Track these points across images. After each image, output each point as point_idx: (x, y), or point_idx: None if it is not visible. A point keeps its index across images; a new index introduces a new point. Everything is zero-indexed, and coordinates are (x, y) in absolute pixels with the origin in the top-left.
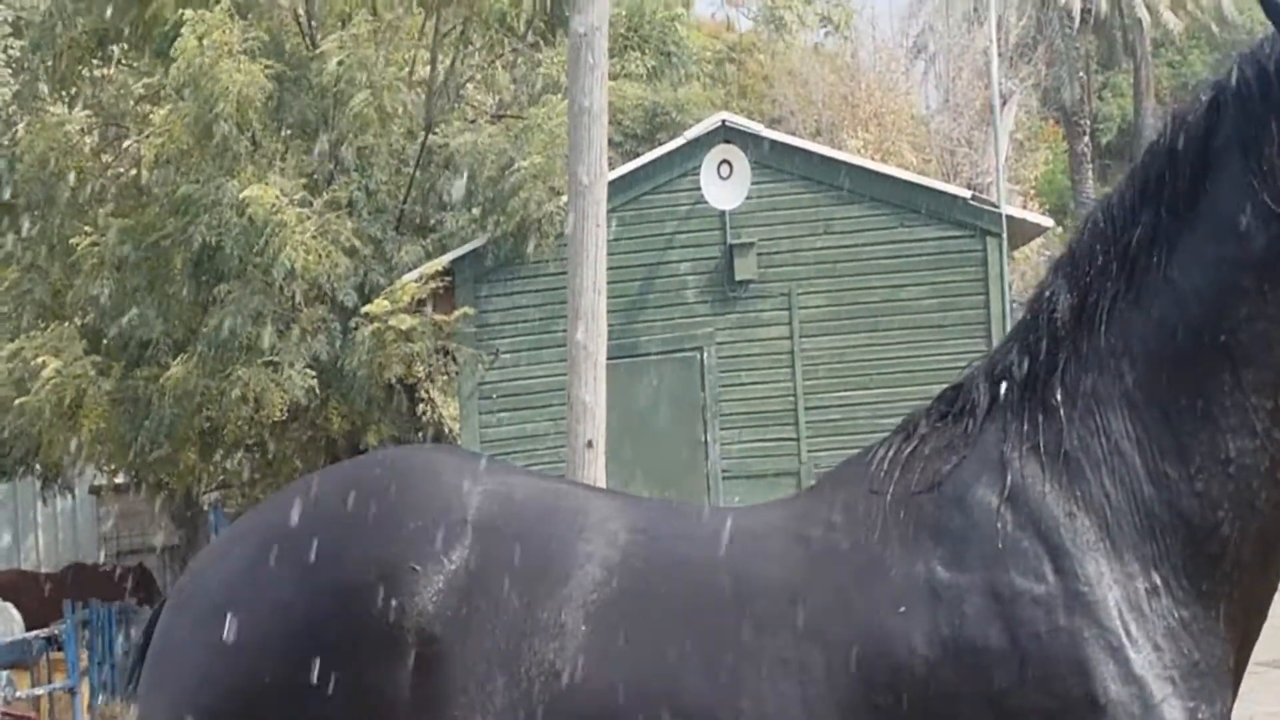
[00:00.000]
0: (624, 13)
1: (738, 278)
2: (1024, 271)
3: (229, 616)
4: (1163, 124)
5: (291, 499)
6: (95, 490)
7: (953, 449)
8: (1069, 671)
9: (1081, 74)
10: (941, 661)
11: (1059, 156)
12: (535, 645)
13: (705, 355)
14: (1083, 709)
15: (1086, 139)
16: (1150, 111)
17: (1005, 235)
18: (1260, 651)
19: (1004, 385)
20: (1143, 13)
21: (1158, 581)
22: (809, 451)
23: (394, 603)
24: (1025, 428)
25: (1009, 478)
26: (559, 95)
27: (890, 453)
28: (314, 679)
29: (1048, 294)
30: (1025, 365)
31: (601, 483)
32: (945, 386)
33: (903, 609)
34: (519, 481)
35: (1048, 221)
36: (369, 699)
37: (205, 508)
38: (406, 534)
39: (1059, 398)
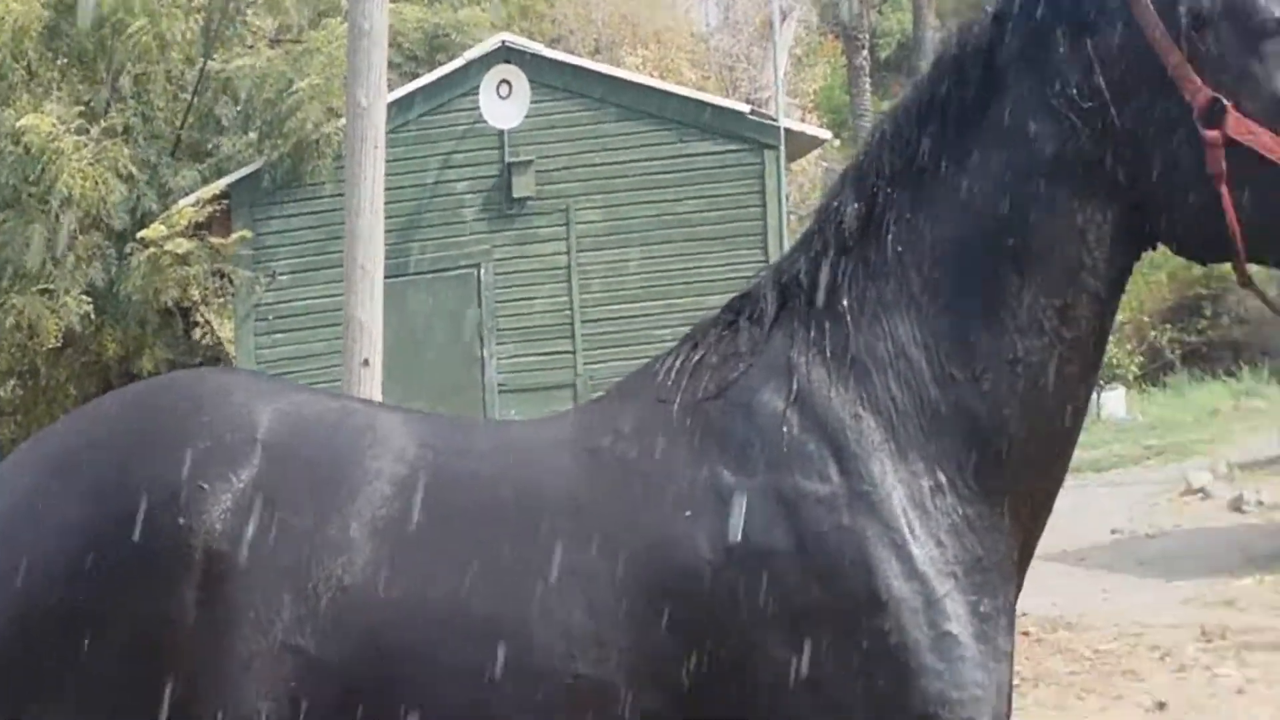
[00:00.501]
0: None
1: (515, 195)
2: (802, 184)
3: (10, 543)
4: (949, 37)
5: (75, 424)
6: None
7: (740, 356)
8: (853, 570)
9: None
10: (727, 565)
11: (837, 71)
12: (323, 561)
13: (482, 272)
14: (867, 606)
15: (865, 54)
16: (929, 25)
17: (783, 148)
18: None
19: (791, 293)
20: None
21: (942, 480)
22: (585, 364)
23: (181, 522)
24: (812, 334)
25: (795, 382)
26: (338, 18)
27: (678, 362)
28: (98, 604)
29: (835, 203)
30: (812, 273)
31: (378, 400)
32: (733, 295)
33: (688, 514)
34: (308, 400)
35: (825, 134)
36: (154, 623)
37: None
38: (194, 454)
39: (845, 304)
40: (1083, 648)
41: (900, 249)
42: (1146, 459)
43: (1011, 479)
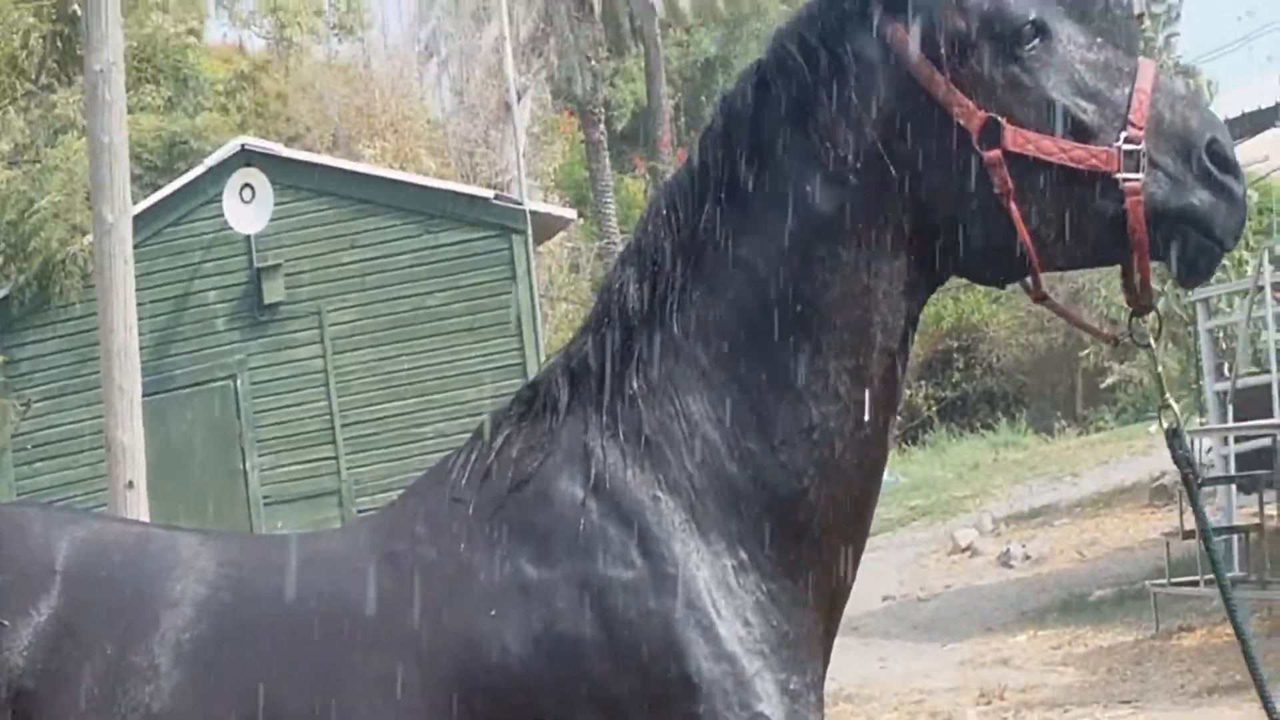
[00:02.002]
0: (136, 44)
1: (266, 301)
2: (549, 265)
3: None
4: (715, 108)
5: None
6: None
7: (535, 447)
8: (663, 654)
9: (592, 63)
10: (536, 658)
11: (576, 147)
12: (129, 689)
13: (238, 382)
14: (679, 690)
15: (601, 127)
16: (663, 93)
17: (530, 232)
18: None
19: (581, 378)
20: None
21: (744, 557)
22: (348, 469)
23: None
24: (605, 418)
25: (592, 468)
26: (75, 134)
27: (472, 457)
28: None
29: (617, 285)
30: (600, 357)
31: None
32: (522, 385)
33: (493, 612)
34: (107, 527)
35: (570, 214)
36: None
37: None
38: None
39: (636, 386)
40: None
41: (687, 326)
42: (913, 520)
43: (813, 550)
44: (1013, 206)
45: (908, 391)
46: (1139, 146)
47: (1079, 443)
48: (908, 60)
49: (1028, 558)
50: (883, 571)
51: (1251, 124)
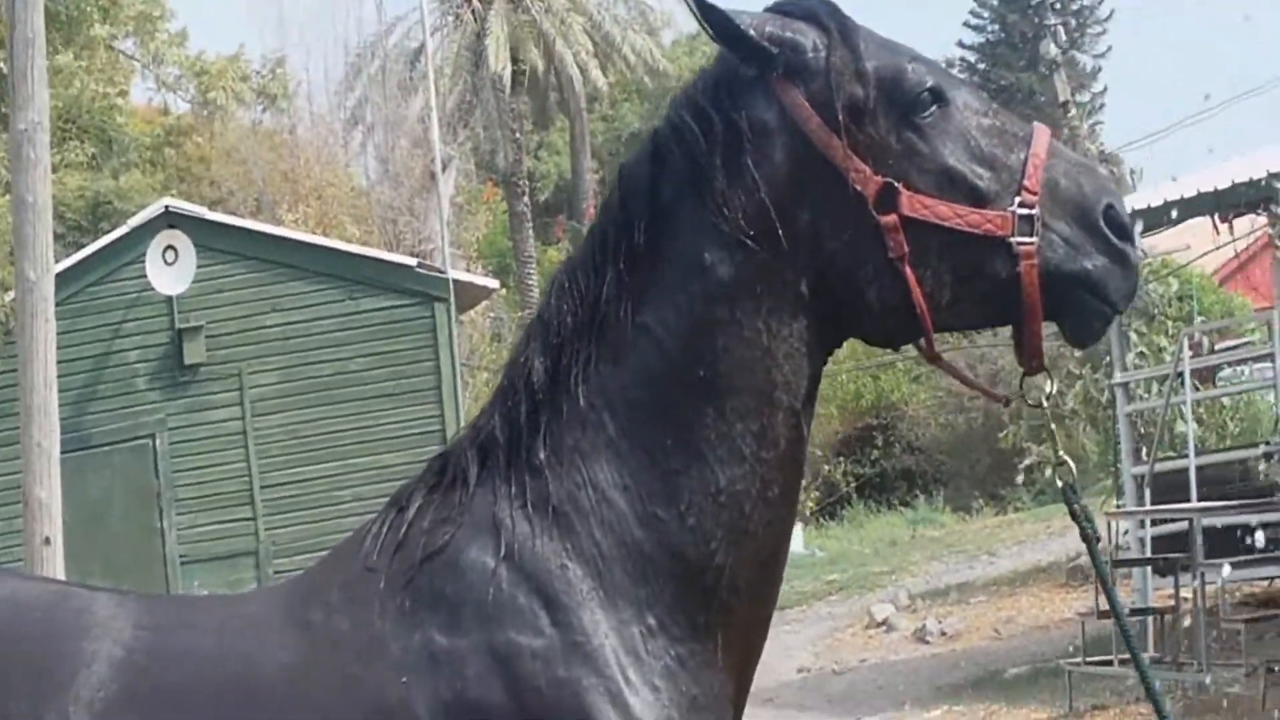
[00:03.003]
0: (61, 104)
1: (187, 361)
2: (471, 334)
3: None
4: (614, 179)
5: None
6: None
7: (446, 519)
8: None
9: (517, 135)
10: None
11: (499, 218)
12: None
13: (157, 441)
14: None
15: (525, 199)
16: (587, 167)
17: (453, 300)
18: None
19: (489, 450)
20: (573, 70)
21: (652, 623)
22: (266, 530)
23: None
24: (513, 489)
25: (502, 538)
26: None
27: (384, 528)
28: None
29: (523, 359)
30: (507, 429)
31: (61, 578)
32: (432, 456)
33: (404, 680)
34: (23, 585)
35: (493, 283)
36: None
37: None
38: None
39: (543, 456)
40: None
41: (592, 395)
42: (829, 594)
43: (723, 612)
44: (908, 270)
45: (826, 467)
46: (1033, 211)
47: (996, 522)
48: (804, 126)
49: (944, 634)
50: (798, 644)
51: (1148, 220)
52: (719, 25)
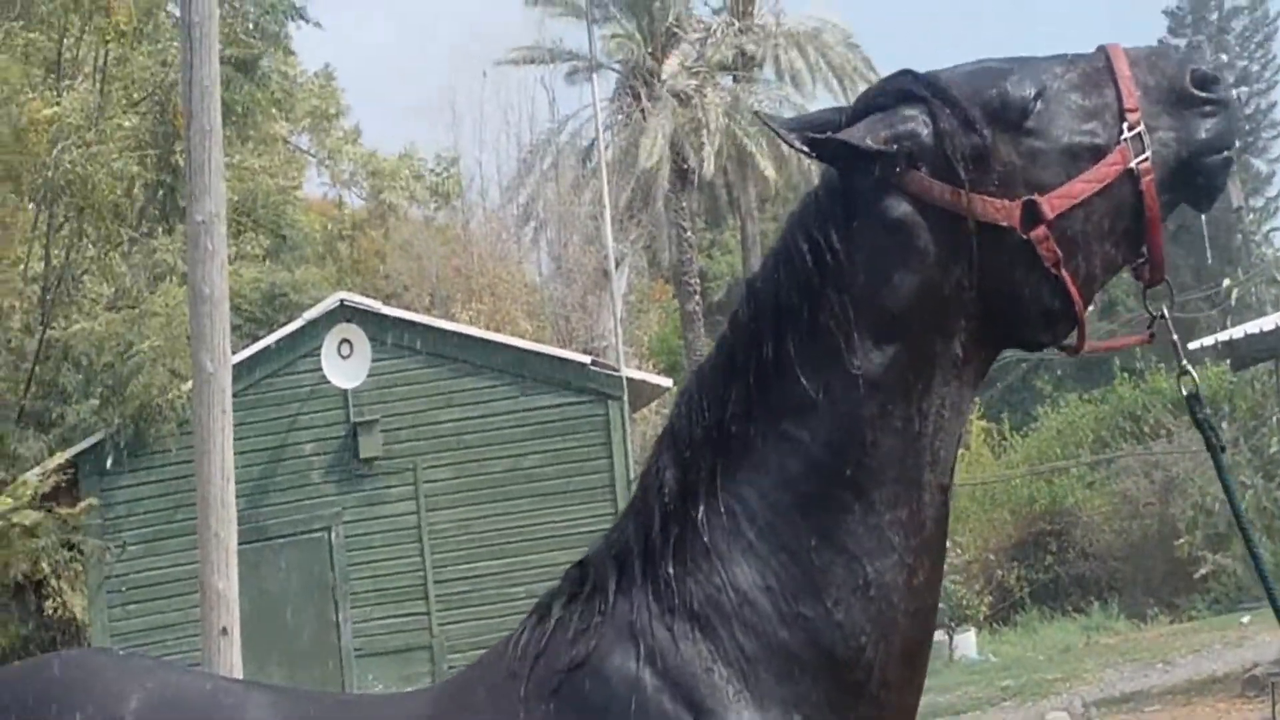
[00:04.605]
0: (237, 197)
1: (362, 455)
2: (644, 432)
3: None
4: (742, 292)
5: None
6: None
7: (588, 629)
8: None
9: (688, 234)
10: None
11: (671, 316)
12: None
13: (333, 535)
14: None
15: (697, 298)
16: (757, 264)
17: (626, 398)
18: None
19: (626, 560)
20: (745, 170)
21: None
22: (440, 625)
23: None
24: (652, 597)
25: (643, 645)
26: (175, 280)
27: (527, 637)
28: None
29: (655, 470)
30: (643, 539)
31: (238, 669)
32: (570, 565)
33: None
34: (179, 681)
35: (666, 382)
36: None
37: None
38: None
39: (681, 564)
40: None
41: (726, 503)
42: (1002, 700)
43: (871, 706)
44: (1064, 273)
45: (1000, 572)
46: (1139, 129)
47: (1171, 630)
48: (939, 203)
49: None
50: None
51: None
52: (836, 154)
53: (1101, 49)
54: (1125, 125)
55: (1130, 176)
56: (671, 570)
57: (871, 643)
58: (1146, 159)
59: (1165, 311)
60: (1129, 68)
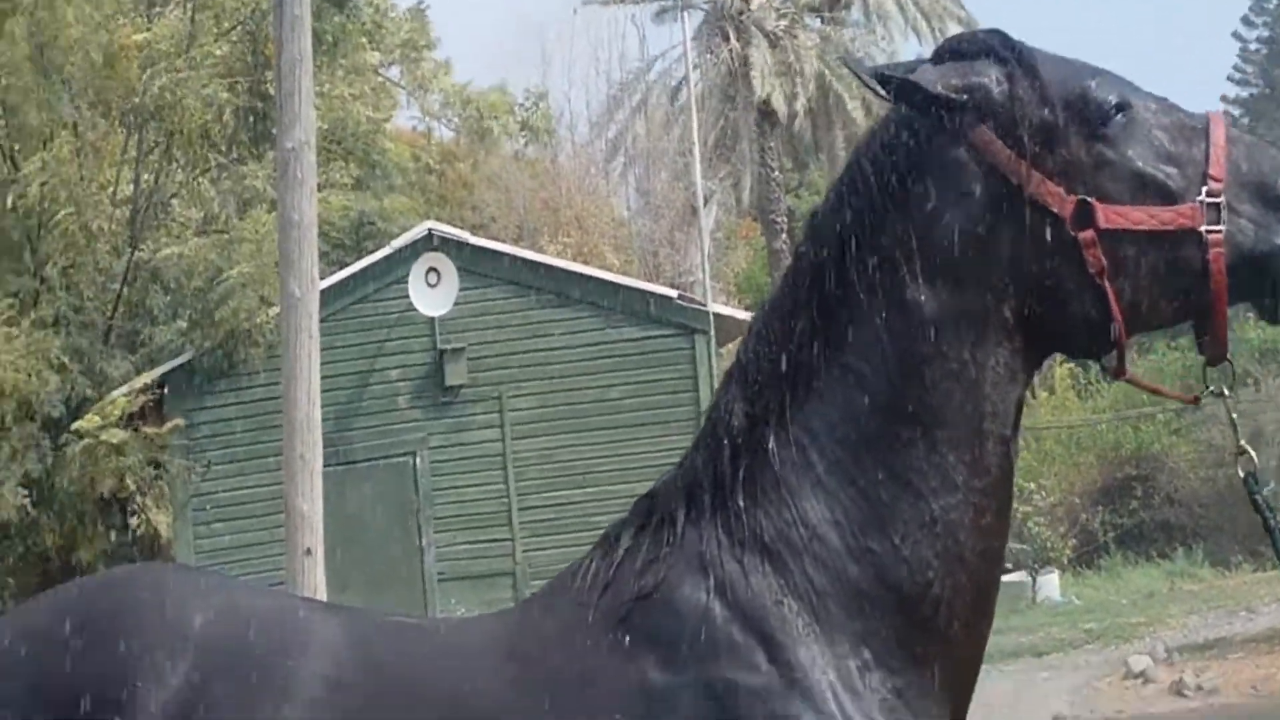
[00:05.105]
0: (326, 125)
1: (448, 383)
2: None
3: None
4: (805, 225)
5: (14, 623)
6: None
7: (657, 559)
8: None
9: (775, 173)
10: None
11: (758, 253)
12: None
13: (418, 460)
14: None
15: (784, 236)
16: None
17: (713, 332)
18: None
19: (695, 493)
20: (832, 113)
21: (869, 656)
22: (524, 551)
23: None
24: (721, 530)
25: (713, 577)
26: (264, 207)
27: (595, 565)
28: None
29: (723, 404)
30: (712, 472)
31: (321, 590)
32: (638, 497)
33: (618, 717)
34: (244, 598)
35: (749, 316)
36: None
37: None
38: (129, 654)
39: (749, 498)
40: None
41: (795, 436)
42: (1085, 643)
43: (940, 643)
44: (1107, 284)
45: (1084, 516)
46: (1219, 199)
47: (1255, 578)
48: (996, 160)
49: (1200, 688)
50: (1054, 691)
51: None
52: (904, 93)
53: (1205, 114)
54: (1206, 190)
55: (1197, 240)
56: (742, 502)
57: (939, 579)
58: (1220, 231)
59: (1226, 391)
60: (1225, 140)
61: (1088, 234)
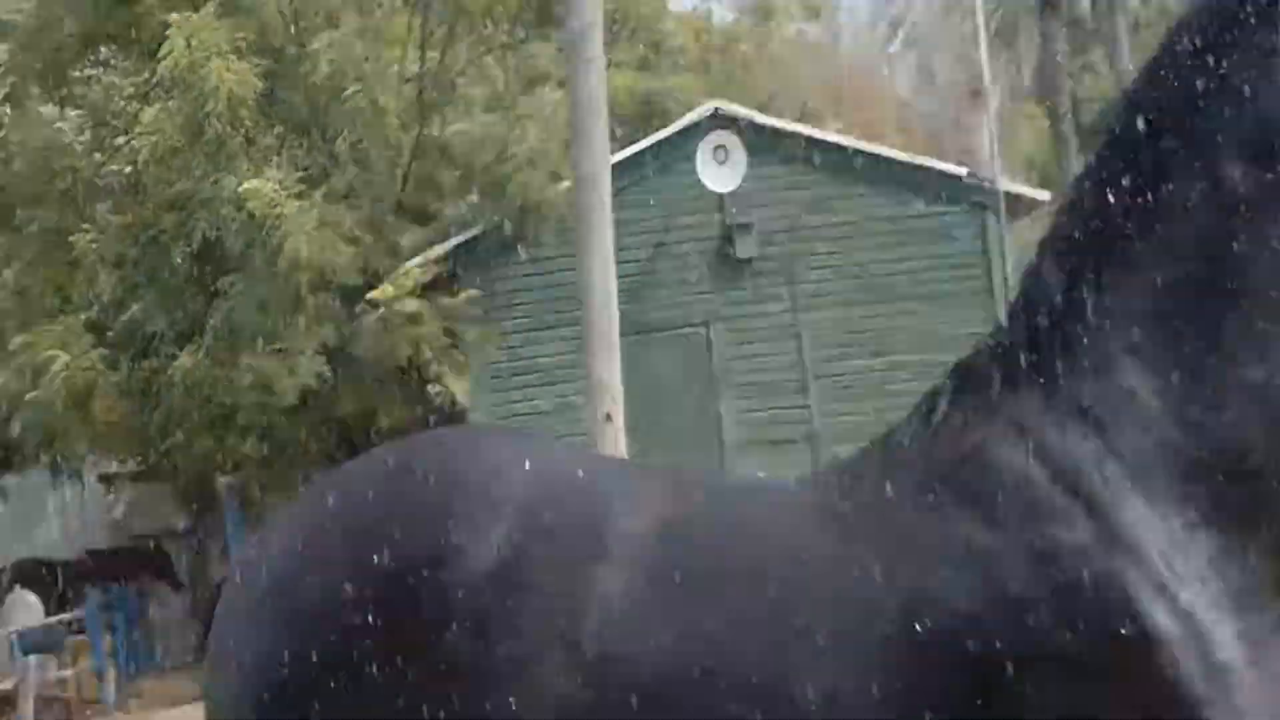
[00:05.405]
0: (612, 5)
1: (739, 256)
2: (1021, 245)
3: (284, 598)
4: (1115, 105)
5: (337, 484)
6: (105, 479)
7: (975, 422)
8: (1119, 613)
9: (1059, 57)
10: (989, 618)
11: (1041, 136)
12: (578, 619)
13: (711, 331)
14: (1138, 646)
15: (1068, 118)
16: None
17: (1003, 208)
18: None
19: (1012, 359)
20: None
21: (1194, 517)
22: (821, 417)
23: (441, 578)
24: (1041, 395)
25: (1031, 439)
26: (548, 85)
27: (915, 429)
28: (372, 657)
29: (1038, 273)
30: (1027, 339)
31: (622, 454)
32: (955, 362)
33: (943, 573)
34: (562, 459)
35: (1043, 194)
36: (425, 668)
37: (219, 491)
38: (452, 514)
39: (1069, 363)
40: None
41: (1111, 307)
42: None
43: (1265, 503)
44: None
45: None
46: None
47: None
48: None
49: None
50: None
51: None
52: None
53: None
54: None
55: None
56: (1059, 368)
57: (1261, 443)
58: None
59: None
60: None
61: None
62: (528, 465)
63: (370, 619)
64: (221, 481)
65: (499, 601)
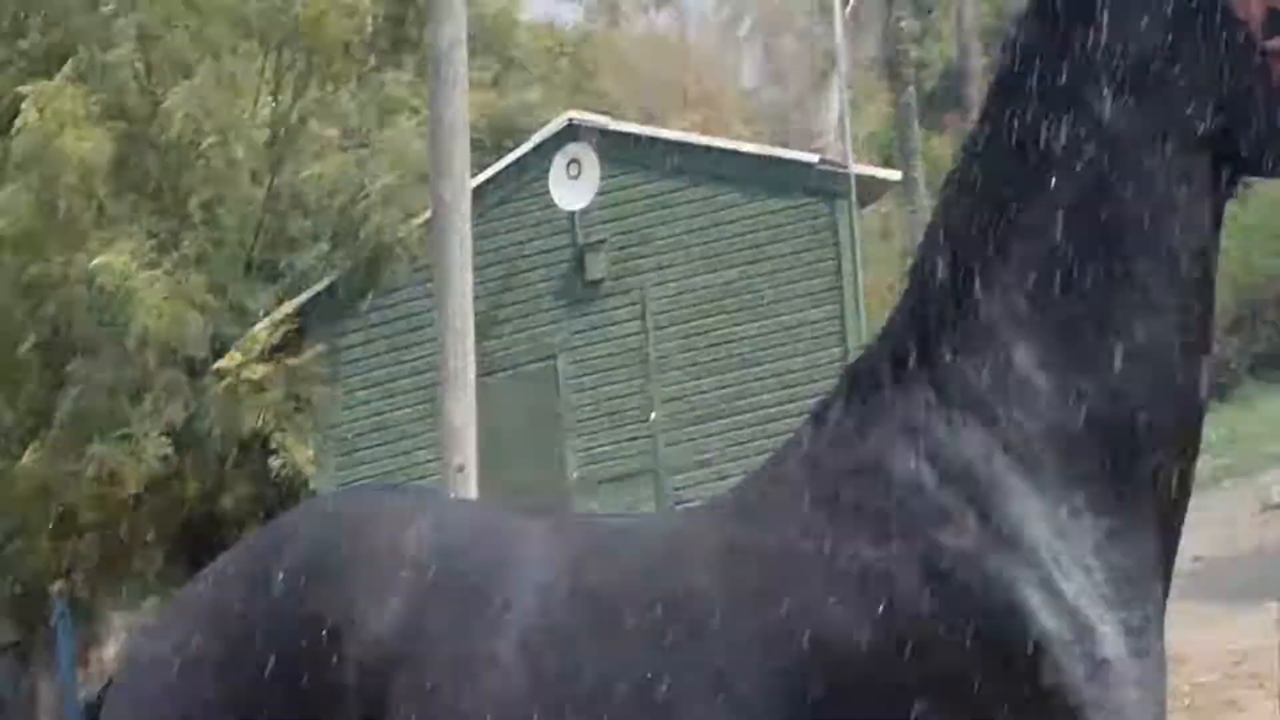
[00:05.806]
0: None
1: (589, 278)
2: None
3: (168, 694)
4: (994, 59)
5: (222, 569)
6: None
7: (867, 428)
8: (1006, 617)
9: (901, 22)
10: (880, 640)
11: (884, 111)
12: (478, 678)
13: (559, 363)
14: (1023, 650)
15: (910, 89)
16: (974, 51)
17: (854, 196)
18: None
19: (902, 356)
20: None
21: (1080, 501)
22: (665, 447)
23: (336, 654)
24: (930, 390)
25: (922, 440)
26: (404, 115)
27: (807, 444)
28: None
29: (924, 261)
30: (916, 332)
31: None
32: (846, 365)
33: (834, 599)
34: (456, 514)
35: (894, 175)
36: None
37: (50, 597)
38: (346, 583)
39: (956, 349)
40: (1181, 682)
41: (996, 284)
42: (1223, 479)
43: (1150, 476)
44: None
45: (1216, 346)
46: None
47: None
48: None
49: None
50: (1191, 529)
51: None
52: None
53: None
54: None
55: None
56: (949, 359)
57: (1147, 408)
58: None
59: None
60: None
61: (1276, 42)
62: (424, 522)
63: (260, 711)
64: (53, 588)
65: (394, 668)
